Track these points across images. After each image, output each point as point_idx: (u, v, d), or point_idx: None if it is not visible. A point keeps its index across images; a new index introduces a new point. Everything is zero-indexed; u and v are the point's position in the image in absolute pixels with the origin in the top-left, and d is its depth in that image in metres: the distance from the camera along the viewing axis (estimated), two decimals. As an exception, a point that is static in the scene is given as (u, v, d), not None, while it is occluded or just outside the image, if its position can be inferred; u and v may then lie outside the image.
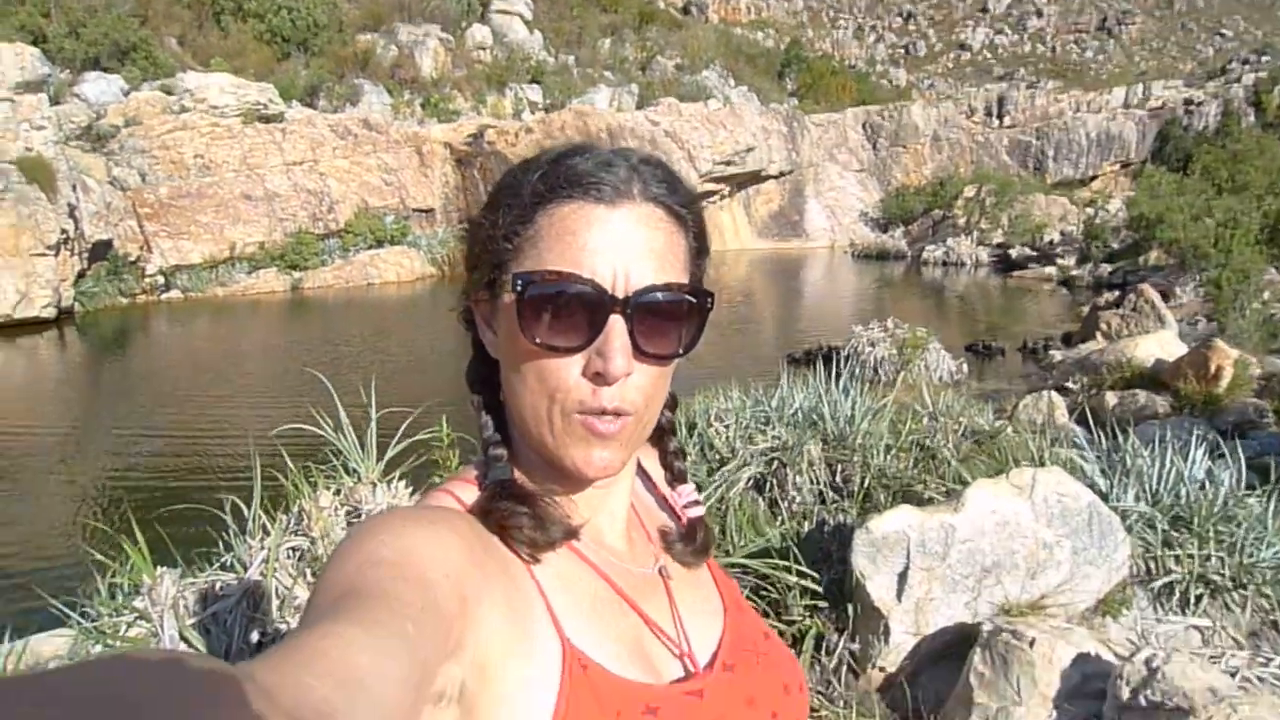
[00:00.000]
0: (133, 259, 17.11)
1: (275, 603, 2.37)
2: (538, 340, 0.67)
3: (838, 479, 4.45)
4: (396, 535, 0.62)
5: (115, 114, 18.05)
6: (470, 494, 0.74)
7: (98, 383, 11.68)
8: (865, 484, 4.33)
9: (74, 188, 15.50)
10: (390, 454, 3.39)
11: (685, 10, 53.84)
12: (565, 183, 0.68)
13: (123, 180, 17.59)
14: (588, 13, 36.19)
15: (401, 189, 21.08)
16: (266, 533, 2.70)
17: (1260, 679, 2.71)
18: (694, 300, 0.71)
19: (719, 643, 0.79)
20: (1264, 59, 42.76)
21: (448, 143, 22.32)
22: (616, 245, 0.67)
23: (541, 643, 0.66)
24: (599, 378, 0.67)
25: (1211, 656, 2.82)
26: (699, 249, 0.75)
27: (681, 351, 0.71)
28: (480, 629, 0.61)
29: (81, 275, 15.76)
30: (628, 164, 0.70)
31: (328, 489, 2.89)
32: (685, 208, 0.72)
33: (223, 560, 2.79)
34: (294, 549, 2.56)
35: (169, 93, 18.79)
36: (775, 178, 29.75)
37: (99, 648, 2.38)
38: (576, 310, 0.66)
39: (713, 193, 27.16)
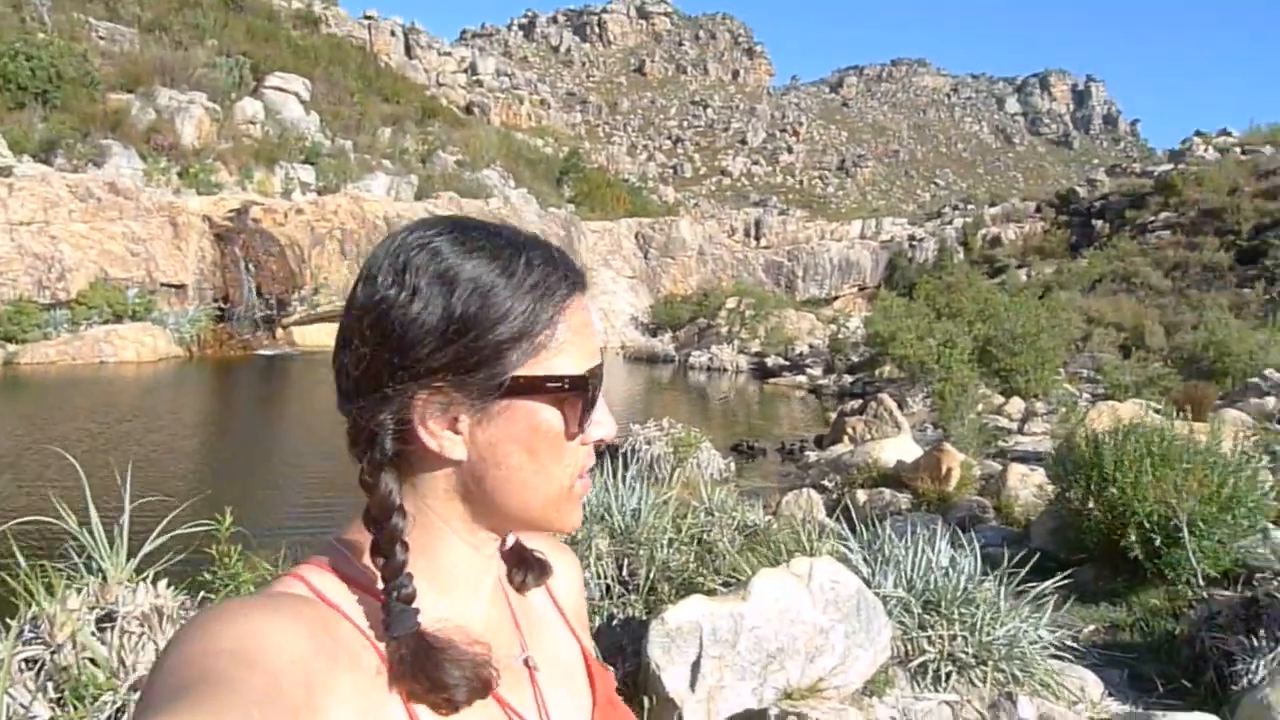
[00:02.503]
0: None
1: (4, 724, 2.00)
2: (581, 431, 0.71)
3: (624, 573, 4.51)
4: (235, 622, 0.60)
5: None
6: (328, 583, 0.70)
7: None
8: (650, 577, 4.43)
9: None
10: (147, 549, 3.04)
11: (468, 110, 54.79)
12: (574, 277, 0.72)
13: None
14: (369, 101, 35.87)
15: (150, 260, 19.32)
16: (-10, 642, 2.30)
17: (1003, 746, 3.03)
18: None
19: None
20: (969, 207, 50.29)
21: (207, 216, 20.86)
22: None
23: None
24: (599, 442, 0.74)
25: (963, 728, 3.12)
26: None
27: None
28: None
29: None
30: None
31: (73, 590, 2.53)
32: None
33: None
34: (30, 660, 2.19)
35: None
36: (552, 278, 30.42)
37: None
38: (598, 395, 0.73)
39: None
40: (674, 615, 3.12)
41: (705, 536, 5.03)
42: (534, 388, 0.69)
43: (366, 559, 0.70)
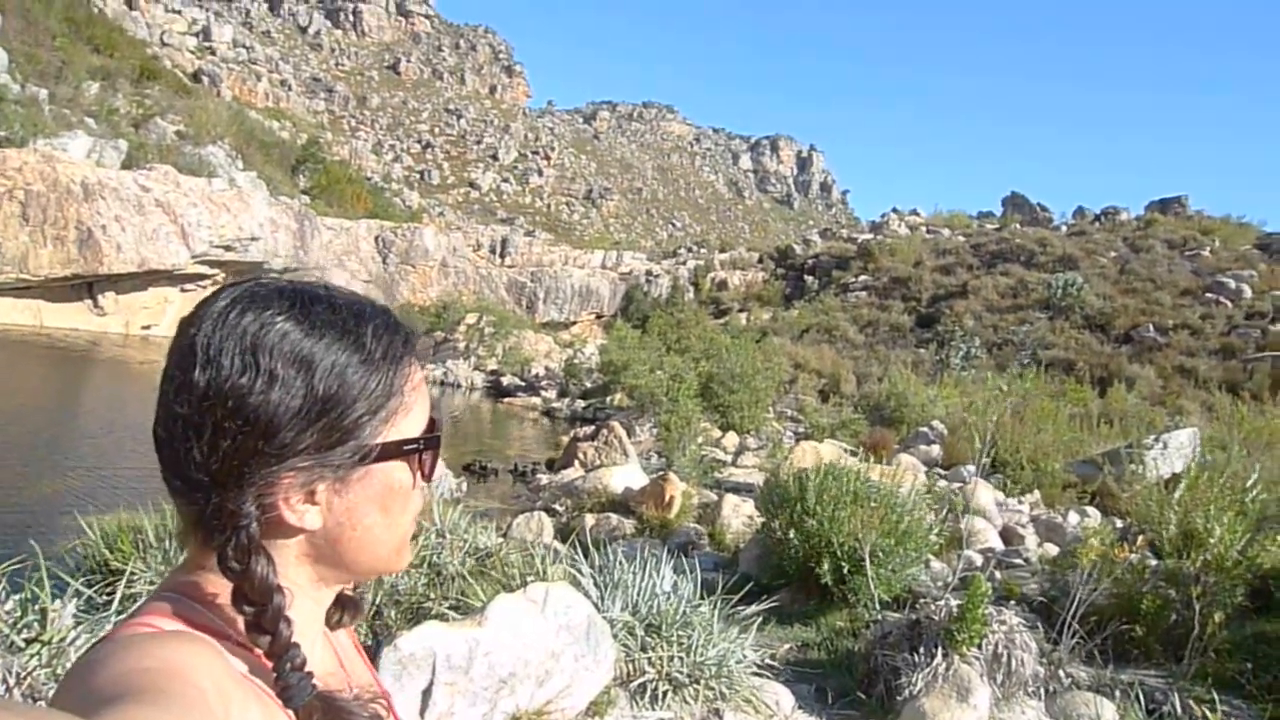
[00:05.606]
0: None
1: None
2: (427, 479, 0.77)
3: (349, 596, 4.32)
4: (151, 647, 0.61)
5: None
6: (180, 629, 0.68)
7: None
8: (377, 602, 4.29)
9: None
10: None
11: (196, 78, 49.89)
12: (410, 339, 0.77)
13: None
14: (75, 48, 31.50)
15: None
16: None
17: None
18: None
19: None
20: (702, 250, 53.74)
21: None
22: None
23: None
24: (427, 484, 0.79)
25: (677, 746, 3.32)
26: None
27: None
28: None
29: None
30: None
31: None
32: None
33: None
34: None
35: None
36: (278, 273, 28.41)
37: None
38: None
39: (203, 277, 24.97)
40: (407, 642, 3.05)
41: (435, 559, 4.95)
42: (393, 453, 0.73)
43: (222, 606, 0.70)
